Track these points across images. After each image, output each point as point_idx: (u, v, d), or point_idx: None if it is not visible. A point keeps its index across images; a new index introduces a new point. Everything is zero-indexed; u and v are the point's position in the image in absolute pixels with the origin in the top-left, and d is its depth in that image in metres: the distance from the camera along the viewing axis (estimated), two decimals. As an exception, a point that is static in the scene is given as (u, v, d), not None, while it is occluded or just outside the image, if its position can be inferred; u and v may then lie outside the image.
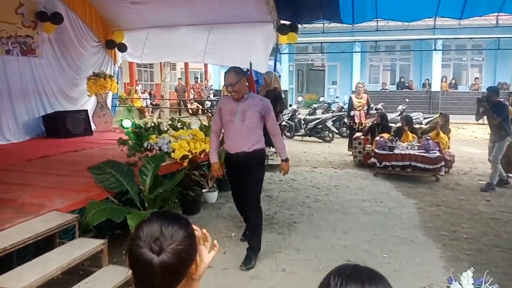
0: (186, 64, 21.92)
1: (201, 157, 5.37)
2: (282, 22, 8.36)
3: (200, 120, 7.30)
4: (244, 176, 3.72)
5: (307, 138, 11.69)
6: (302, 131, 11.73)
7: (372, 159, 7.24)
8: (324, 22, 9.33)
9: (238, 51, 8.38)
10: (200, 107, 17.00)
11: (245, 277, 3.37)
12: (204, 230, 1.30)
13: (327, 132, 11.43)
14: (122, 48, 9.64)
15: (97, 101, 9.05)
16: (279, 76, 9.27)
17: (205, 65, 21.59)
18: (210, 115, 15.82)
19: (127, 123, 7.93)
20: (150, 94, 18.85)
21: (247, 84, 3.75)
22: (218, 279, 3.35)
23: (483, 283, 2.01)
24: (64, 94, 8.64)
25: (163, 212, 1.21)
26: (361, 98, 9.25)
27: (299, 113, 12.26)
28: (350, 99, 9.54)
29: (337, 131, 11.54)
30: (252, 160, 3.66)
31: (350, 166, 8.04)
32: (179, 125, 6.01)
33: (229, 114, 3.68)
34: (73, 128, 7.97)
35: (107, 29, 9.42)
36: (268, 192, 5.95)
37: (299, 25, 8.50)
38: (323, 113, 13.64)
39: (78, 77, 8.92)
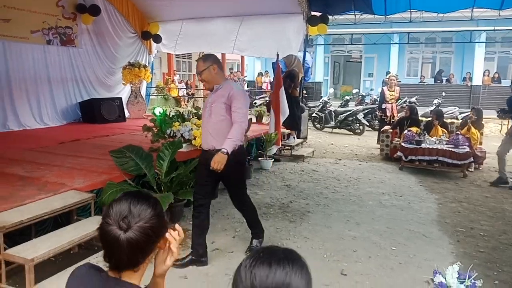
0: (223, 56, 22.09)
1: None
2: (312, 13, 8.32)
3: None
4: (221, 179, 3.45)
5: (337, 130, 11.60)
6: (332, 123, 11.63)
7: (398, 153, 7.12)
8: (356, 13, 9.15)
9: (268, 42, 8.45)
10: (234, 97, 17.17)
11: (250, 261, 3.47)
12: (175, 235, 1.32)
13: (357, 124, 11.29)
14: (157, 39, 9.93)
15: (132, 90, 9.41)
16: (308, 68, 9.26)
17: (242, 56, 21.77)
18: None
19: (159, 111, 8.22)
20: (186, 84, 19.24)
21: (218, 72, 3.28)
22: (223, 261, 3.47)
23: (467, 277, 1.99)
24: (101, 82, 9.04)
25: (134, 191, 1.29)
26: (393, 91, 9.06)
27: (330, 105, 12.17)
28: (382, 91, 9.37)
29: (368, 124, 11.36)
30: (227, 161, 3.20)
31: (376, 159, 7.93)
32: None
33: (204, 107, 3.44)
34: (107, 114, 8.36)
35: (142, 20, 9.73)
36: (287, 181, 6.01)
37: (330, 17, 8.43)
38: (356, 105, 13.48)
39: (114, 66, 9.30)
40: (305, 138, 9.46)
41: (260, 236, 3.73)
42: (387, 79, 9.33)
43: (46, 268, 2.99)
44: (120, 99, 8.99)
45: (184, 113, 6.00)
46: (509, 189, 5.84)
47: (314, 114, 11.88)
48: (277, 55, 7.27)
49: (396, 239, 4.03)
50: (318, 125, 11.99)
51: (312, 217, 4.58)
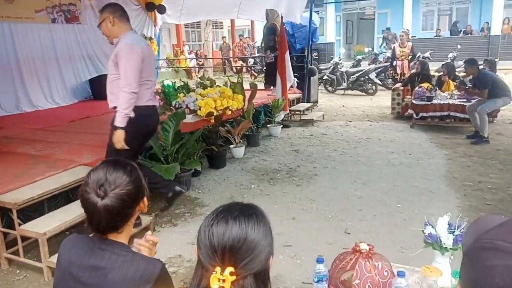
0: (232, 22, 21.81)
1: (227, 114, 5.56)
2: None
3: (227, 77, 7.38)
4: None
5: (349, 91, 11.41)
6: (344, 85, 11.43)
7: (409, 111, 7.02)
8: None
9: (272, 5, 8.27)
10: (244, 64, 17.01)
11: (255, 225, 3.55)
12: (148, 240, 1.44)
13: (370, 84, 11.06)
14: (161, 9, 9.77)
15: (139, 64, 9.42)
16: (316, 28, 9.07)
17: (252, 21, 21.38)
18: (254, 72, 15.89)
19: (167, 84, 8.27)
20: (196, 54, 19.10)
21: (116, 23, 2.99)
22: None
23: (457, 228, 2.01)
24: (108, 57, 9.06)
25: (111, 160, 1.36)
26: (404, 47, 8.85)
27: (342, 66, 11.92)
28: (393, 48, 9.18)
29: (380, 83, 11.12)
30: (112, 121, 3.04)
31: (388, 119, 7.84)
32: (208, 83, 6.17)
33: None
34: (117, 90, 8.44)
35: (145, -9, 9.58)
36: (296, 146, 6.03)
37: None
38: (369, 64, 13.17)
39: (121, 41, 9.29)
40: (316, 102, 9.38)
41: (170, 189, 3.48)
42: (386, 35, 9.11)
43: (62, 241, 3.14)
44: (129, 73, 9.04)
45: (188, 83, 6.01)
46: (467, 137, 6.05)
47: (325, 77, 11.68)
48: (281, 17, 7.13)
49: (402, 196, 4.05)
50: (330, 88, 11.81)
51: (319, 180, 4.62)
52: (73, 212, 3.05)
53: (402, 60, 8.83)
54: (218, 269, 0.88)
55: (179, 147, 4.32)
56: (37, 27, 7.44)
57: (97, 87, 8.29)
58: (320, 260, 1.79)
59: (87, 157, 3.85)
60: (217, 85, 6.20)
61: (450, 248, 2.00)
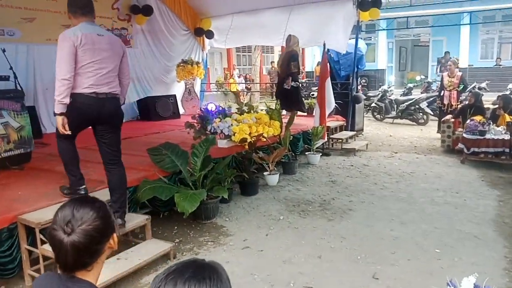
0: (282, 47, 21.98)
1: (262, 140, 5.46)
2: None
3: (265, 103, 7.30)
4: None
5: (398, 120, 10.97)
6: (393, 113, 11.02)
7: (460, 145, 6.57)
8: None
9: (317, 32, 8.20)
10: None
11: (278, 261, 3.37)
12: None
13: (420, 114, 10.58)
14: (210, 35, 10.06)
15: (186, 86, 9.67)
16: (362, 55, 8.86)
17: (302, 48, 21.43)
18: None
19: (211, 107, 8.37)
20: (245, 78, 19.37)
21: (72, 18, 3.18)
22: (251, 259, 3.41)
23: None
24: (158, 80, 9.37)
25: (79, 197, 1.37)
26: (453, 77, 8.37)
27: (392, 94, 11.53)
28: (442, 78, 8.74)
29: (432, 113, 10.58)
30: None
31: (437, 152, 7.37)
32: (246, 109, 6.14)
33: None
34: (162, 111, 8.67)
35: (195, 17, 9.89)
36: (333, 177, 5.79)
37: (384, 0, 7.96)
38: (421, 93, 12.68)
39: (170, 64, 9.59)
40: (361, 130, 9.07)
41: (75, 187, 3.57)
42: (444, 61, 8.62)
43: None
44: (175, 96, 9.29)
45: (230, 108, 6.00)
46: None
47: (373, 104, 11.34)
48: (324, 44, 7.02)
49: (443, 240, 3.69)
50: (378, 116, 11.44)
51: (354, 215, 4.36)
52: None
53: (450, 90, 8.35)
54: None
55: (208, 172, 4.26)
56: (91, 50, 7.84)
57: (144, 108, 8.59)
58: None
59: (116, 179, 3.87)
60: (255, 111, 6.14)
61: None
